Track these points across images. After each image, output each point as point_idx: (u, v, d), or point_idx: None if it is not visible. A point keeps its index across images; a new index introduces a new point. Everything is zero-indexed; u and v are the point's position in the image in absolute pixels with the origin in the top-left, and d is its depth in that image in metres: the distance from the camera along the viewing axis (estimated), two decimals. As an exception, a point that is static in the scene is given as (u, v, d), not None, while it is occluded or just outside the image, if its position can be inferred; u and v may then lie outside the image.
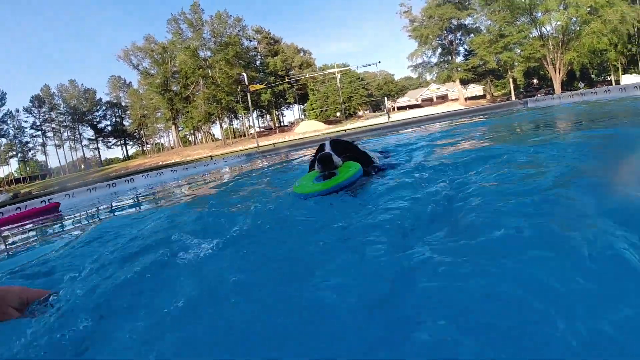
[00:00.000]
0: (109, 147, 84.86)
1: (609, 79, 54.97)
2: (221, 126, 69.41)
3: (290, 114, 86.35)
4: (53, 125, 76.55)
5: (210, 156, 33.30)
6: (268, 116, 79.31)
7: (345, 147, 2.86)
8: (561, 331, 0.87)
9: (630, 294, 0.99)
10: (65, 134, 78.34)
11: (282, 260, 1.59)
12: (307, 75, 64.18)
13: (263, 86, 57.03)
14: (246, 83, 35.87)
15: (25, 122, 74.14)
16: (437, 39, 60.79)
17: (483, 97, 66.02)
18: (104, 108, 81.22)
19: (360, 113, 74.54)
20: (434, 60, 63.43)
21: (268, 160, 13.79)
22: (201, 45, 62.56)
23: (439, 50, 62.20)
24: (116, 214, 6.63)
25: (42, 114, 75.18)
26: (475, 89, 68.70)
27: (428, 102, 72.42)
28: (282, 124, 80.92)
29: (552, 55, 48.42)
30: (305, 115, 77.03)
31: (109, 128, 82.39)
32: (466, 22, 59.23)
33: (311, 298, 1.20)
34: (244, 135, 73.50)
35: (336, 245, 1.66)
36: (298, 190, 2.48)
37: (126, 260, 1.90)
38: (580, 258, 1.13)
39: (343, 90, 66.41)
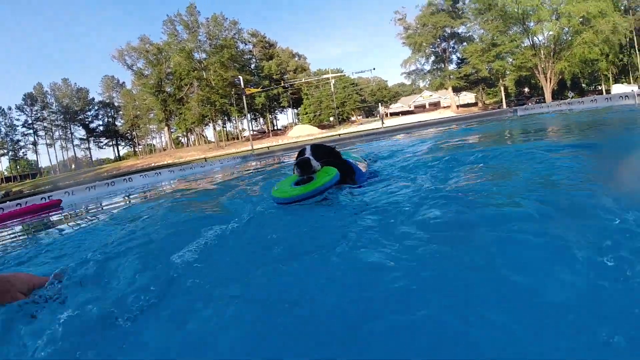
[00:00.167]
0: (100, 147, 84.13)
1: (599, 88, 55.80)
2: (214, 128, 69.23)
3: (284, 117, 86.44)
4: (45, 124, 75.80)
5: (205, 158, 33.24)
6: (261, 119, 79.28)
7: (325, 153, 2.87)
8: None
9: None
10: (57, 133, 77.62)
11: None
12: (303, 80, 64.32)
13: (259, 89, 57.04)
14: (242, 86, 35.91)
15: (17, 120, 73.65)
16: (431, 46, 61.51)
17: (475, 104, 66.73)
18: (96, 108, 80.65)
19: (353, 118, 74.83)
20: (427, 67, 64.39)
21: (263, 162, 13.96)
22: (196, 47, 62.56)
23: (432, 57, 63.03)
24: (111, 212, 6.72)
25: (34, 112, 74.48)
26: (468, 97, 69.39)
27: (421, 108, 72.83)
28: (275, 127, 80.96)
29: (544, 65, 49.11)
30: (298, 119, 77.14)
31: (101, 128, 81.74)
32: (459, 31, 60.19)
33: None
34: (237, 138, 73.38)
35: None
36: (276, 195, 2.48)
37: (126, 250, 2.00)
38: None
39: (337, 95, 66.67)
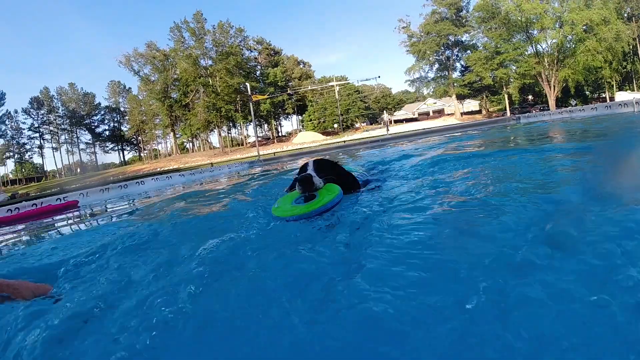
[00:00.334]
0: (106, 152, 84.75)
1: (603, 95, 55.66)
2: (220, 134, 69.67)
3: (288, 124, 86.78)
4: (51, 128, 76.52)
5: (211, 164, 33.66)
6: (266, 126, 79.68)
7: (329, 168, 2.77)
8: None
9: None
10: (63, 137, 78.34)
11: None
12: (309, 88, 64.76)
13: (265, 96, 57.51)
14: (249, 93, 36.42)
15: (24, 123, 74.37)
16: (435, 54, 61.72)
17: (479, 112, 66.86)
18: (102, 112, 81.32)
19: (357, 125, 75.10)
20: (431, 75, 64.48)
21: (270, 168, 14.29)
22: (202, 54, 63.30)
23: (436, 65, 63.17)
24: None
25: (41, 116, 75.22)
26: (472, 104, 69.49)
27: (425, 116, 73.07)
28: (280, 134, 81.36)
29: (547, 72, 49.18)
30: (302, 126, 77.50)
31: (107, 133, 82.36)
32: (463, 39, 60.41)
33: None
34: (241, 144, 73.77)
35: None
36: (276, 213, 2.38)
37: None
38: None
39: (341, 102, 67.09)
